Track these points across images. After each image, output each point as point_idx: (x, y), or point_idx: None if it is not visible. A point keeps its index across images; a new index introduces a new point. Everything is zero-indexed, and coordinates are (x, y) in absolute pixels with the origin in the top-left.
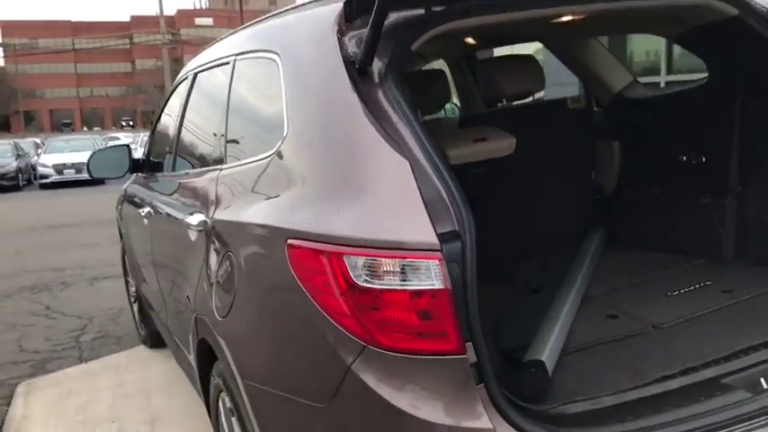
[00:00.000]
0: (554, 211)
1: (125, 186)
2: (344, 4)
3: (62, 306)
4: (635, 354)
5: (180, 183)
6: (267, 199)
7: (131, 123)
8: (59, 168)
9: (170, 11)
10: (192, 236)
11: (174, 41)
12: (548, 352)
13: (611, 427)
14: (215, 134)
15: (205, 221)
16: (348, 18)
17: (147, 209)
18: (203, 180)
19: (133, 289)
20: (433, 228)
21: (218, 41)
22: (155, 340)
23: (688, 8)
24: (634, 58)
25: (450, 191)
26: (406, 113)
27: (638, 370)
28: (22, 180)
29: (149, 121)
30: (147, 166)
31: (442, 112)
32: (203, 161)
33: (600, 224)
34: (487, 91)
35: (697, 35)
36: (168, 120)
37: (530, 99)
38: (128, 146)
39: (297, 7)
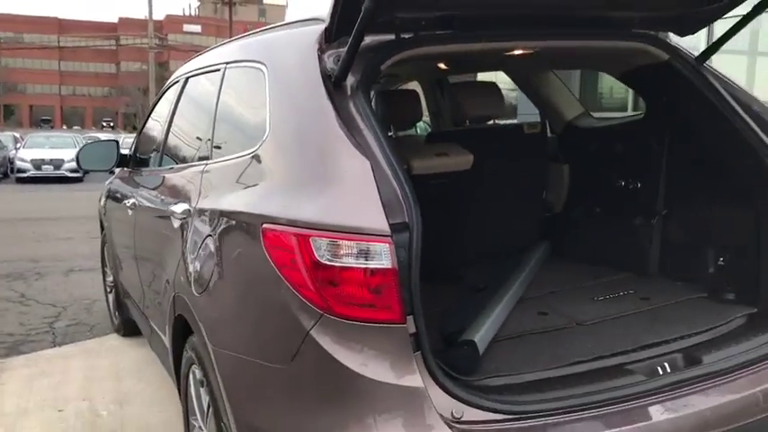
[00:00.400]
0: (506, 223)
1: (109, 180)
2: (325, 28)
3: (36, 294)
4: (557, 343)
5: (166, 176)
6: (246, 190)
7: (112, 125)
8: (37, 164)
9: (159, 15)
10: (176, 223)
11: (162, 46)
12: (480, 336)
13: (527, 396)
14: (203, 133)
15: (189, 210)
16: (327, 39)
17: (132, 201)
18: (189, 174)
19: (110, 279)
20: (387, 218)
21: (209, 50)
22: (128, 329)
23: (626, 51)
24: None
25: (403, 190)
26: (372, 122)
27: (558, 356)
28: None
29: (130, 123)
30: (134, 162)
31: (416, 128)
32: (190, 157)
33: (547, 237)
34: (454, 112)
35: (636, 75)
36: (158, 119)
37: (492, 122)
38: (116, 141)
39: (283, 25)
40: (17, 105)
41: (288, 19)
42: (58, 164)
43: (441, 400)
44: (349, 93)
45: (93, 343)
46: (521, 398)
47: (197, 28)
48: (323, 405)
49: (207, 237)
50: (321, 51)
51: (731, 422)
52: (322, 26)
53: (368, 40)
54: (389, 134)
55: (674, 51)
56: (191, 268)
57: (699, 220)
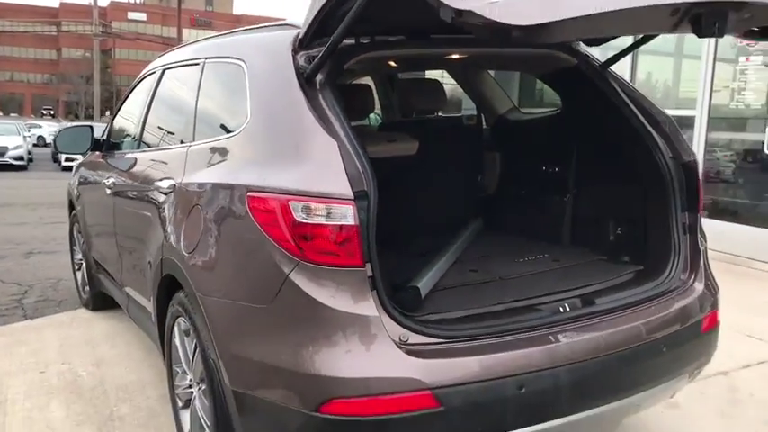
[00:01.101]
0: (447, 201)
1: (78, 163)
2: (299, 36)
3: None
4: (483, 292)
5: (148, 157)
6: (231, 165)
7: (52, 113)
8: None
9: (102, 2)
10: (161, 198)
11: (106, 33)
12: (422, 284)
13: (457, 325)
14: (185, 118)
15: (174, 185)
16: (300, 44)
17: (111, 181)
18: (173, 154)
19: (78, 257)
20: (350, 186)
21: (185, 46)
22: (97, 303)
23: (540, 57)
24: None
25: (363, 165)
26: (337, 111)
27: (482, 299)
28: None
29: (72, 111)
30: (107, 146)
31: (368, 120)
32: (172, 140)
33: (481, 214)
34: (403, 105)
35: (551, 76)
36: (134, 106)
37: (436, 114)
38: (91, 126)
39: (260, 28)
40: None
41: (235, 8)
42: (1, 151)
43: (391, 327)
44: (318, 87)
45: (63, 316)
46: (452, 327)
47: (142, 16)
48: (299, 331)
49: (194, 205)
50: (294, 52)
51: (620, 346)
52: (294, 31)
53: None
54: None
55: (582, 58)
56: (180, 233)
57: (601, 198)
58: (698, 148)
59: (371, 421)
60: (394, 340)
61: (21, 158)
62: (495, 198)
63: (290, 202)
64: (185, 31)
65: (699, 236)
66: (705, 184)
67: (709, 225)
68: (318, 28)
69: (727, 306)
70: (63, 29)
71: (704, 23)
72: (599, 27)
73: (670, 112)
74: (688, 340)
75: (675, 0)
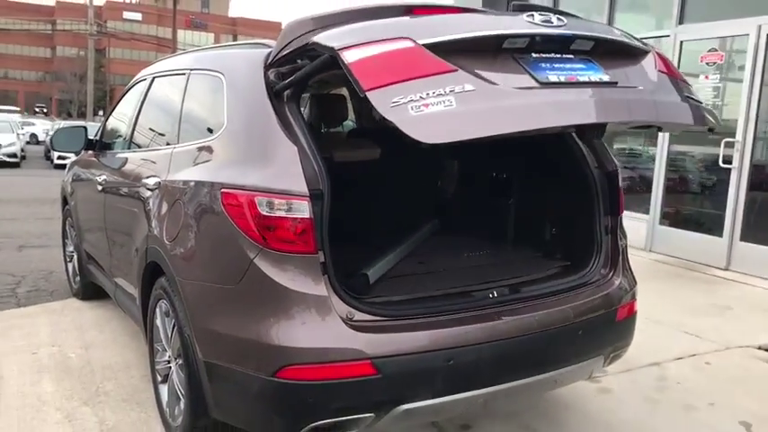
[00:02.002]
0: (406, 203)
1: (71, 161)
2: (270, 59)
3: None
4: (425, 281)
5: (137, 157)
6: (209, 165)
7: (45, 111)
8: None
9: (98, 1)
10: (147, 193)
11: (101, 33)
12: (371, 272)
13: (399, 306)
14: (171, 123)
15: (159, 182)
16: (271, 63)
17: (102, 178)
18: (159, 155)
19: (70, 249)
20: (307, 185)
21: (173, 56)
22: (87, 293)
23: None
24: None
25: (319, 168)
26: (300, 122)
27: (423, 287)
28: None
29: (65, 110)
30: (100, 146)
31: (342, 127)
32: (159, 142)
33: (439, 215)
34: (371, 113)
35: None
36: (125, 110)
37: None
38: (85, 127)
39: (238, 45)
40: None
41: (231, 9)
42: None
43: (339, 306)
44: (285, 100)
45: (55, 304)
46: (393, 307)
47: (137, 16)
48: (260, 308)
49: (176, 200)
50: (266, 68)
51: (540, 328)
52: (267, 50)
53: (299, 62)
54: (322, 130)
55: None
56: (163, 224)
57: (538, 203)
58: (660, 160)
59: (319, 385)
60: (341, 317)
61: (14, 155)
62: (452, 200)
63: (255, 198)
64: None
65: (619, 236)
66: (667, 195)
67: (667, 233)
68: (285, 54)
69: (671, 306)
70: (58, 27)
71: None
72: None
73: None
74: (603, 326)
75: (556, 124)
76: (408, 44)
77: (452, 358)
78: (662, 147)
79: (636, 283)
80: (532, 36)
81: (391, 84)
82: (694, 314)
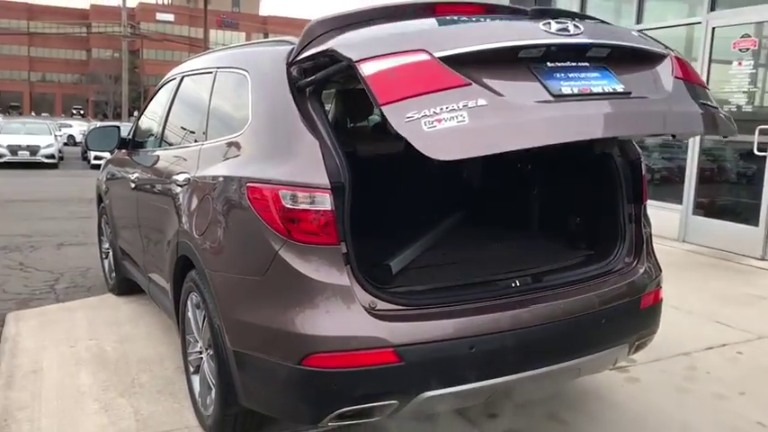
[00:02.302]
0: (431, 195)
1: (106, 160)
2: (291, 50)
3: (34, 263)
4: (449, 271)
5: (166, 155)
6: (235, 161)
7: (82, 112)
8: (14, 149)
9: (131, 3)
10: (177, 190)
11: (134, 35)
12: (395, 262)
13: (422, 296)
14: (199, 120)
15: (189, 178)
16: (292, 61)
17: (135, 175)
18: (188, 152)
19: (106, 246)
20: (328, 178)
21: (201, 55)
22: (122, 288)
23: None
24: None
25: (340, 161)
26: (322, 116)
27: (448, 276)
28: None
29: (101, 111)
30: (132, 145)
31: (367, 121)
32: (188, 139)
33: (463, 207)
34: None
35: None
36: (156, 109)
37: None
38: (118, 126)
39: (262, 43)
40: None
41: (262, 8)
42: (34, 150)
43: (362, 295)
44: (307, 95)
45: (92, 300)
46: (416, 297)
47: (170, 17)
48: (286, 298)
49: (205, 195)
50: (288, 65)
51: (562, 317)
52: (290, 46)
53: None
54: (348, 125)
55: None
56: (193, 219)
57: (563, 193)
58: (694, 149)
59: (344, 372)
60: (364, 306)
61: (52, 156)
62: (476, 192)
63: (279, 191)
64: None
65: (643, 224)
66: (701, 185)
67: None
68: (306, 55)
69: (703, 296)
70: (93, 30)
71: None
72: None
73: None
74: (627, 315)
75: (564, 140)
76: (424, 57)
77: (474, 346)
78: (695, 137)
79: (661, 270)
80: (548, 46)
81: (406, 98)
82: (727, 304)
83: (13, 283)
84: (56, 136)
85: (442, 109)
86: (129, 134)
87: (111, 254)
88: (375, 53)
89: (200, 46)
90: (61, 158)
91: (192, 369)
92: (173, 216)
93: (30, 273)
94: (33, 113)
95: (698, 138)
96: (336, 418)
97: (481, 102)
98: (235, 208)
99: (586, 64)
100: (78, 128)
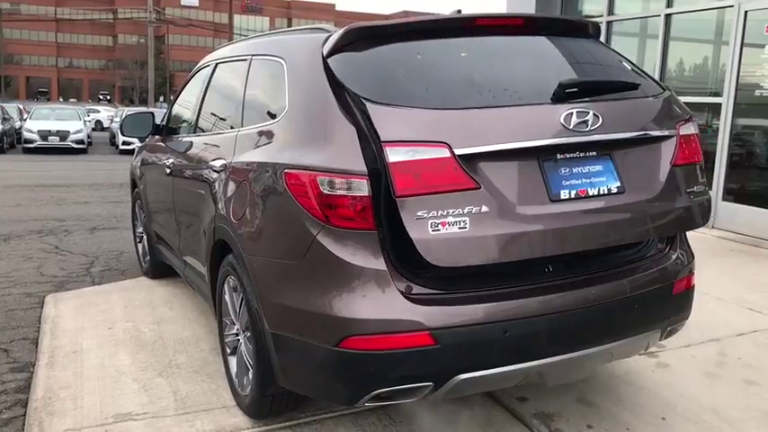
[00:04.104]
0: None
1: (139, 146)
2: (327, 38)
3: (69, 247)
4: None
5: (202, 141)
6: (272, 147)
7: (108, 98)
8: (44, 135)
9: None
10: (214, 175)
11: (160, 20)
12: None
13: (455, 281)
14: (234, 107)
15: (225, 164)
16: (328, 53)
17: (171, 161)
18: (224, 138)
19: (140, 230)
20: (365, 164)
21: (235, 43)
22: (156, 272)
23: None
24: None
25: (377, 146)
26: (359, 102)
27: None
28: (5, 143)
29: (127, 96)
30: (167, 131)
31: None
32: (223, 126)
33: None
34: None
35: None
36: (190, 96)
37: None
38: (152, 113)
39: (297, 30)
40: (14, 77)
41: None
42: (63, 135)
43: (398, 279)
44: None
45: (127, 283)
46: (451, 281)
47: (195, 2)
48: (323, 281)
49: (242, 181)
50: (324, 53)
51: (595, 302)
52: (325, 34)
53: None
54: None
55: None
56: (230, 204)
57: None
58: (724, 134)
59: (380, 355)
60: (400, 290)
61: (81, 142)
62: None
63: (317, 177)
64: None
65: (702, 181)
66: (731, 170)
67: (731, 209)
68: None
69: (733, 283)
70: (119, 16)
71: None
72: None
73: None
74: (659, 300)
75: (549, 254)
76: (444, 154)
77: (508, 330)
78: (725, 120)
79: (693, 257)
80: (562, 145)
81: (420, 194)
82: (758, 291)
83: (50, 266)
84: (85, 121)
85: (448, 212)
86: (163, 120)
87: (145, 238)
88: (401, 137)
89: (225, 31)
90: (90, 144)
91: (228, 350)
92: (209, 201)
93: (65, 256)
94: (61, 99)
95: (728, 122)
96: (373, 399)
97: (484, 208)
98: (272, 194)
99: (594, 153)
100: (106, 113)
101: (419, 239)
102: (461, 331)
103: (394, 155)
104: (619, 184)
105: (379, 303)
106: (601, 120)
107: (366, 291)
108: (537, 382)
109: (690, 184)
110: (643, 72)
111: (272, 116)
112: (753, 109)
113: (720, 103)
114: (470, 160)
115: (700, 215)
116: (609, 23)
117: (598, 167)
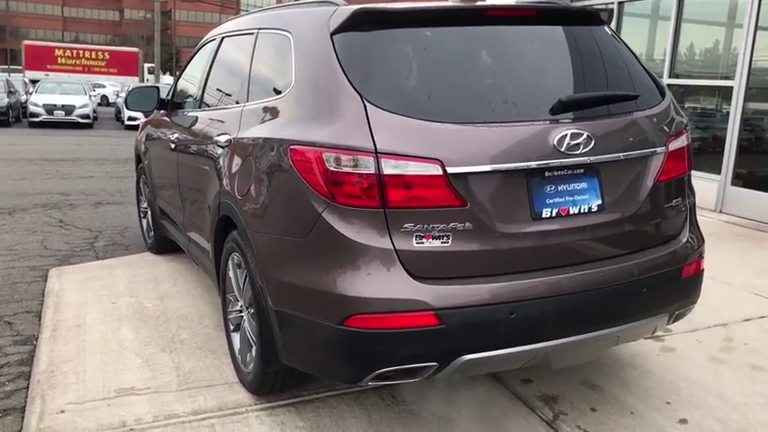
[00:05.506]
0: None
1: (144, 121)
2: (335, 11)
3: (73, 221)
4: None
5: (207, 116)
6: (278, 123)
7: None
8: (50, 108)
9: None
10: (219, 150)
11: None
12: None
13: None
14: (240, 82)
15: (230, 140)
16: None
17: (175, 136)
18: (229, 113)
19: (144, 205)
20: (373, 140)
21: (242, 16)
22: (160, 247)
23: None
24: None
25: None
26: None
27: None
28: (11, 117)
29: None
30: (172, 105)
31: None
32: (229, 101)
33: None
34: None
35: None
36: (195, 70)
37: None
38: (158, 87)
39: (304, 4)
40: (20, 50)
41: None
42: (69, 110)
43: (402, 257)
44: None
45: (131, 258)
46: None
47: None
48: (328, 259)
49: (247, 156)
50: (331, 27)
51: (603, 285)
52: (333, 8)
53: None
54: None
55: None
56: (235, 180)
57: None
58: (734, 118)
59: (385, 334)
60: (406, 269)
61: (87, 117)
62: None
63: (323, 154)
64: None
65: (687, 193)
66: (740, 155)
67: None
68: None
69: (740, 268)
70: None
71: None
72: None
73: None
74: (668, 284)
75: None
76: (436, 171)
77: (514, 312)
78: (736, 104)
79: (703, 241)
80: (552, 167)
81: (408, 206)
82: (765, 276)
83: (54, 240)
84: (90, 96)
85: (433, 227)
86: (168, 95)
87: (149, 213)
88: (397, 150)
89: (232, 7)
90: (95, 119)
91: (231, 327)
92: (213, 177)
93: (69, 230)
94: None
95: (739, 107)
96: (376, 378)
97: (468, 225)
98: (277, 170)
99: (581, 171)
100: (111, 88)
101: (402, 250)
102: (467, 312)
103: (388, 167)
104: (600, 202)
105: (385, 282)
106: (593, 142)
107: (371, 269)
108: (542, 364)
109: (671, 199)
110: (646, 71)
111: (278, 91)
112: (765, 93)
113: (732, 87)
114: (461, 178)
115: (680, 227)
116: (620, 4)
117: (583, 185)
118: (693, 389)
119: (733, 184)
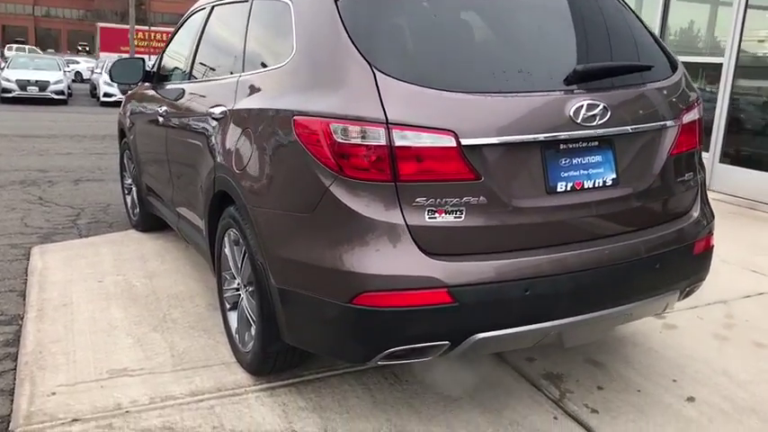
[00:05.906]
0: None
1: (128, 95)
2: None
3: (53, 198)
4: None
5: (198, 87)
6: (279, 92)
7: (87, 49)
8: (23, 84)
9: None
10: (213, 123)
11: None
12: None
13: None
14: (235, 51)
15: (225, 111)
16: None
17: (162, 109)
18: (223, 84)
19: (129, 182)
20: (383, 110)
21: None
22: (146, 224)
23: None
24: None
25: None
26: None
27: None
28: None
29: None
30: (157, 78)
31: None
32: (222, 71)
33: None
34: None
35: None
36: (183, 41)
37: None
38: (143, 59)
39: None
40: None
41: None
42: (43, 85)
43: (414, 233)
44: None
45: (115, 235)
46: None
47: None
48: (336, 235)
49: (246, 128)
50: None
51: (616, 261)
52: None
53: None
54: None
55: None
56: (232, 153)
57: None
58: (723, 96)
59: (396, 312)
60: (417, 244)
61: (61, 93)
62: None
63: (330, 125)
64: None
65: (697, 169)
66: (728, 134)
67: (728, 171)
68: None
69: (735, 245)
70: None
71: None
72: None
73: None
74: (680, 260)
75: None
76: (450, 143)
77: (529, 289)
78: (725, 83)
79: (713, 217)
80: (568, 139)
81: (421, 180)
82: (760, 253)
83: (35, 218)
84: (65, 72)
85: (446, 201)
86: (154, 67)
87: (134, 190)
88: (408, 120)
89: None
90: (70, 95)
91: (228, 306)
92: (207, 151)
93: (50, 207)
94: (39, 49)
95: (728, 84)
96: (386, 357)
97: (482, 200)
98: (279, 142)
99: (596, 144)
100: (86, 64)
101: (414, 225)
102: (481, 289)
103: (400, 139)
104: (614, 176)
105: (395, 258)
106: (609, 113)
107: (380, 245)
108: (554, 343)
109: (683, 173)
110: (659, 43)
111: (279, 58)
112: (753, 71)
113: (721, 64)
114: (475, 150)
115: (691, 203)
116: None
117: (597, 158)
118: (698, 366)
119: (721, 161)
